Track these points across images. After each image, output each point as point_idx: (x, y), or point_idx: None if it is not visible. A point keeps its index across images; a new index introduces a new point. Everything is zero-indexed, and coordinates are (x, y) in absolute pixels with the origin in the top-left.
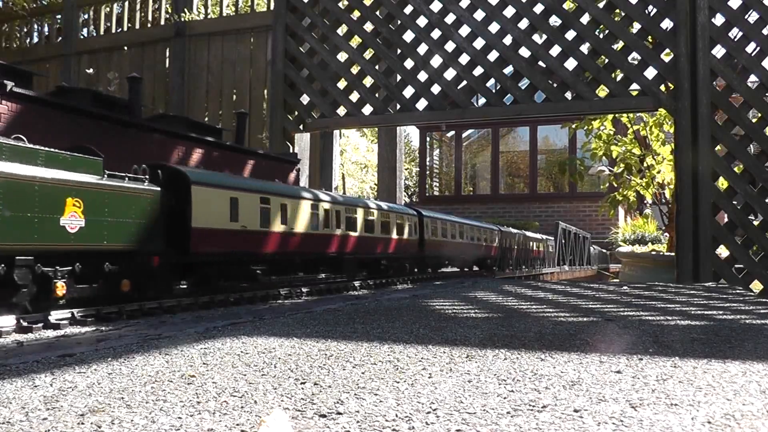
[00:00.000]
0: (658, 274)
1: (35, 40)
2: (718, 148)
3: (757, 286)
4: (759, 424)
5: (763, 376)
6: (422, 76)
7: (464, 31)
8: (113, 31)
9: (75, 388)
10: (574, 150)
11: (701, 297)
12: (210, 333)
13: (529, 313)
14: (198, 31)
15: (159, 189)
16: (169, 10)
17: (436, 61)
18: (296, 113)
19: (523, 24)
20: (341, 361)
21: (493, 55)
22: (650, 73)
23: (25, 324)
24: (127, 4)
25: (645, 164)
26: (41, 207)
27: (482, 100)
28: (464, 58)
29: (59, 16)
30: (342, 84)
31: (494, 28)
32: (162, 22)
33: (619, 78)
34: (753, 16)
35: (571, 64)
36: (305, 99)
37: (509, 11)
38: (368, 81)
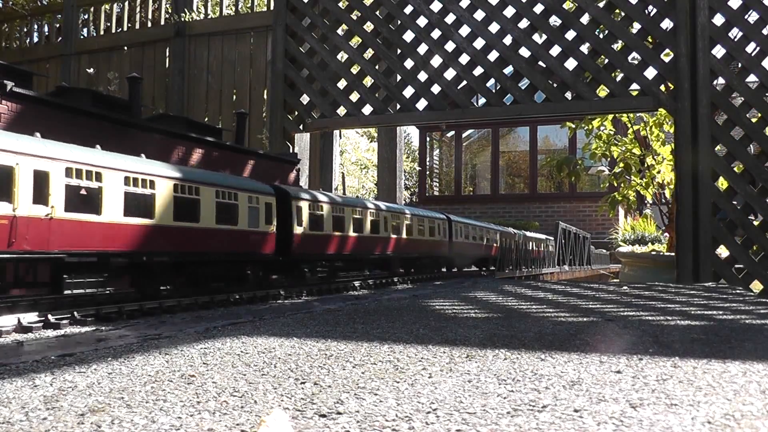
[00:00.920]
0: (658, 274)
1: (35, 40)
2: (718, 148)
3: (757, 286)
4: (759, 424)
5: (763, 376)
6: (422, 76)
7: (464, 31)
8: (113, 31)
9: (75, 387)
10: (574, 150)
11: (701, 297)
12: (210, 333)
13: (529, 313)
14: (198, 31)
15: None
16: (169, 10)
17: (436, 61)
18: (296, 113)
19: (523, 24)
20: (341, 361)
21: (493, 55)
22: (650, 73)
23: (25, 324)
24: (127, 4)
25: (645, 164)
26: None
27: (482, 100)
28: (464, 58)
29: (59, 16)
30: (342, 84)
31: (494, 28)
32: (162, 22)
33: (619, 78)
34: (753, 16)
35: (571, 64)
36: (305, 99)
37: (509, 11)
38: (368, 81)
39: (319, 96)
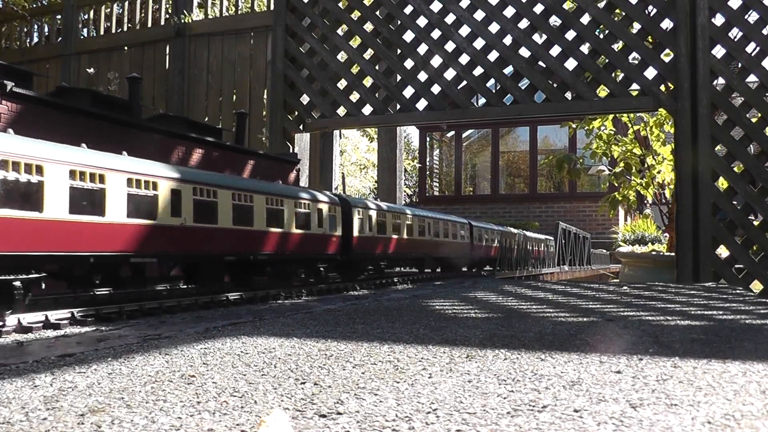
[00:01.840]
0: (658, 275)
1: (35, 40)
2: (718, 148)
3: (757, 286)
4: (759, 424)
5: (763, 376)
6: (422, 76)
7: (464, 31)
8: (113, 31)
9: (75, 388)
10: (574, 150)
11: (701, 297)
12: (210, 333)
13: (529, 314)
14: (198, 32)
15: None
16: (169, 11)
17: (436, 61)
18: (296, 113)
19: (523, 24)
20: (341, 361)
21: (493, 55)
22: (650, 73)
23: (25, 324)
24: (127, 4)
25: (645, 164)
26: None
27: (482, 100)
28: (464, 58)
29: (59, 17)
30: (342, 84)
31: (494, 28)
32: (162, 22)
33: (619, 78)
34: (753, 16)
35: (571, 64)
36: (305, 99)
37: (509, 11)
38: (368, 81)
39: (319, 96)
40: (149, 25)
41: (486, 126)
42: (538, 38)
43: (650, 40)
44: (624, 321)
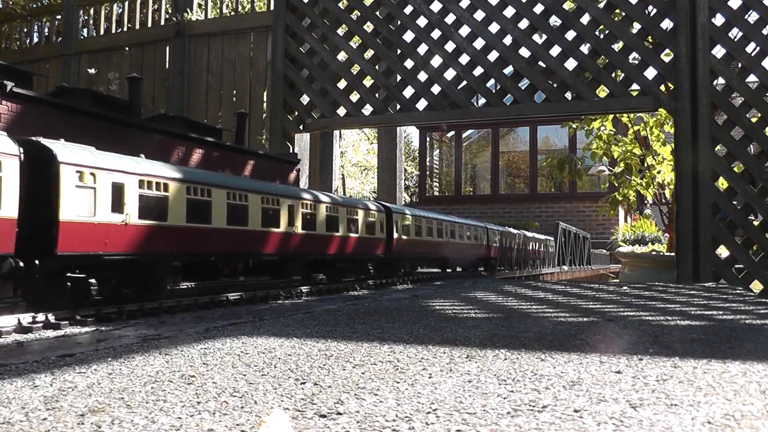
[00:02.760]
0: (658, 275)
1: (35, 40)
2: (718, 148)
3: (757, 286)
4: (759, 424)
5: (763, 377)
6: (422, 76)
7: (464, 31)
8: (113, 31)
9: (75, 388)
10: (574, 150)
11: (701, 297)
12: (210, 333)
13: (529, 314)
14: (198, 32)
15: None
16: (169, 11)
17: (436, 61)
18: (296, 113)
19: (523, 24)
20: (341, 361)
21: (493, 55)
22: (650, 73)
23: (25, 324)
24: (127, 4)
25: (645, 164)
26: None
27: (482, 100)
28: (464, 58)
29: (59, 17)
30: (342, 84)
31: (494, 28)
32: (162, 22)
33: (619, 78)
34: (753, 16)
35: (571, 64)
36: (305, 99)
37: (509, 11)
38: (368, 81)
39: (319, 96)
40: (149, 25)
41: (486, 126)
42: (538, 38)
43: (650, 40)
44: (624, 321)
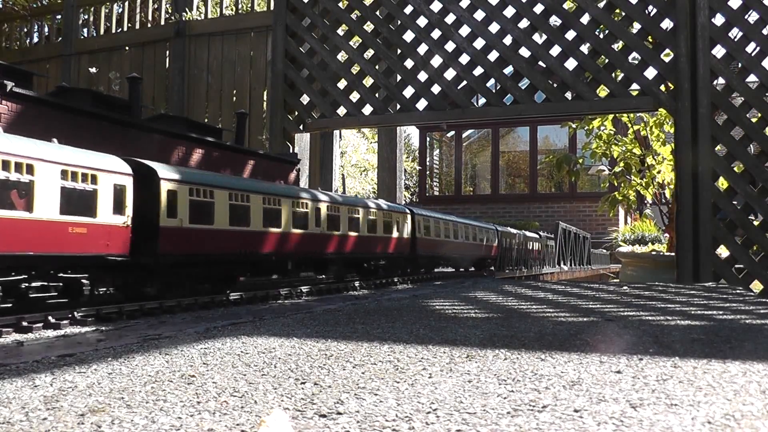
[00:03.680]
0: (658, 274)
1: (35, 40)
2: (718, 148)
3: (757, 286)
4: (759, 424)
5: (763, 376)
6: (422, 76)
7: (464, 31)
8: (113, 31)
9: (75, 388)
10: (574, 150)
11: (701, 297)
12: (210, 333)
13: (529, 314)
14: (198, 31)
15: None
16: (169, 10)
17: (436, 61)
18: (296, 113)
19: (523, 24)
20: (341, 361)
21: (493, 55)
22: (650, 73)
23: (25, 324)
24: (127, 4)
25: (645, 164)
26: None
27: (482, 100)
28: (464, 58)
29: (59, 17)
30: (342, 84)
31: (494, 28)
32: (162, 22)
33: (619, 78)
34: (753, 16)
35: (571, 64)
36: (305, 99)
37: (509, 11)
38: (368, 81)
39: (319, 96)
40: (149, 25)
41: (486, 126)
42: (538, 38)
43: (650, 40)
44: (624, 321)
